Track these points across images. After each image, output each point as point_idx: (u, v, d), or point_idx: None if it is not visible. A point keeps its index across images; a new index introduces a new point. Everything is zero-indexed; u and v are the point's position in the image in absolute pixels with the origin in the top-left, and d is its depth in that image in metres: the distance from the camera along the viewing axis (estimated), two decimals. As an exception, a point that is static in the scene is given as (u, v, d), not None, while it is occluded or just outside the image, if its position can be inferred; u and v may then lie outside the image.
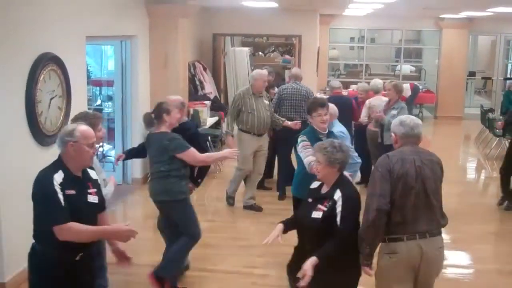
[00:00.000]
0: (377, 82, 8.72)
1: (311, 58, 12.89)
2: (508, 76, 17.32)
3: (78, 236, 3.40)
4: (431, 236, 3.95)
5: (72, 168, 3.51)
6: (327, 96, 8.68)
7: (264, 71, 7.74)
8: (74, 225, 3.35)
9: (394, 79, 8.36)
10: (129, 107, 8.57)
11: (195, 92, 10.70)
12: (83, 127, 3.56)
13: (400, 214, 3.81)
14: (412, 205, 3.84)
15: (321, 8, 13.29)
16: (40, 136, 5.69)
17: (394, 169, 3.79)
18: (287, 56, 15.44)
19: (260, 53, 15.79)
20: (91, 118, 4.42)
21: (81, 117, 4.40)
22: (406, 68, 17.97)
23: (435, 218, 4.00)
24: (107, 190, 4.44)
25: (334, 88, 9.07)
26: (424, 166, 3.92)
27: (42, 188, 3.45)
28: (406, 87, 15.14)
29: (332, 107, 5.77)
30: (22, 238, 5.46)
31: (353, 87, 15.64)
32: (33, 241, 3.59)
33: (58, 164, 3.52)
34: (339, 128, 5.86)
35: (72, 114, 6.20)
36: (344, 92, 13.44)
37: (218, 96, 12.01)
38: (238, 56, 13.42)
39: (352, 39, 19.12)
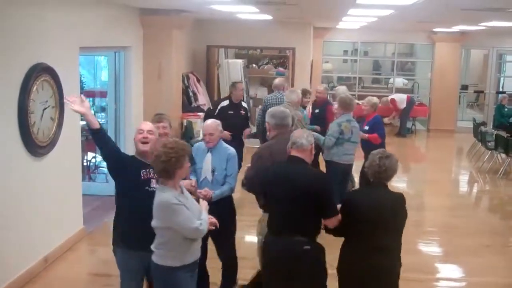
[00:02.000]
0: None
1: (304, 70, 12.91)
2: (501, 89, 17.40)
3: None
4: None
5: None
6: None
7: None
8: None
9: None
10: (122, 118, 8.55)
11: (188, 104, 10.69)
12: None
13: None
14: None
15: (315, 21, 13.35)
16: (33, 146, 5.66)
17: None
18: (280, 69, 15.46)
19: (254, 65, 15.82)
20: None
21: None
22: (399, 81, 18.05)
23: None
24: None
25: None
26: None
27: None
28: (403, 99, 15.23)
29: None
30: (12, 251, 5.45)
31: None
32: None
33: None
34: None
35: (65, 125, 6.21)
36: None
37: (211, 108, 12.00)
38: (232, 68, 13.45)
39: (345, 52, 19.20)
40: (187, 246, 3.88)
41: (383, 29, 15.33)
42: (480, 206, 9.92)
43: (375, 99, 8.36)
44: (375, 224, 3.98)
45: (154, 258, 3.92)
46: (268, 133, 5.23)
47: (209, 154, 5.13)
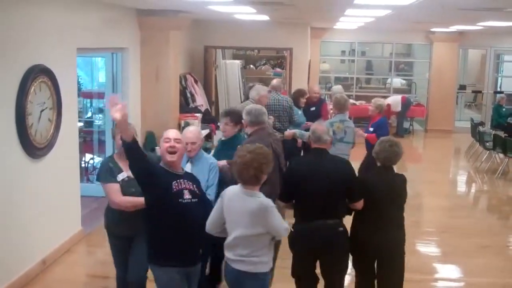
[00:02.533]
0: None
1: (302, 71, 12.91)
2: (498, 89, 17.42)
3: None
4: None
5: None
6: None
7: None
8: None
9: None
10: (120, 120, 8.50)
11: (186, 105, 10.68)
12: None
13: None
14: None
15: (312, 22, 13.35)
16: (31, 148, 5.65)
17: None
18: (278, 69, 15.48)
19: (251, 66, 15.82)
20: None
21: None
22: (397, 81, 18.05)
23: None
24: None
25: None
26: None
27: None
28: (397, 101, 15.22)
29: None
30: (10, 253, 5.44)
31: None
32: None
33: None
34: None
35: (63, 127, 6.20)
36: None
37: (209, 109, 12.00)
38: (229, 69, 13.45)
39: (343, 52, 19.20)
40: (272, 249, 3.99)
41: (380, 29, 15.34)
42: (479, 207, 9.93)
43: (381, 101, 8.35)
44: (390, 201, 4.63)
45: (246, 267, 3.84)
46: (244, 129, 5.43)
47: (189, 164, 4.71)
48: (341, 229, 4.52)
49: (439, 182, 11.16)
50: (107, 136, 8.61)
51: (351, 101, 15.53)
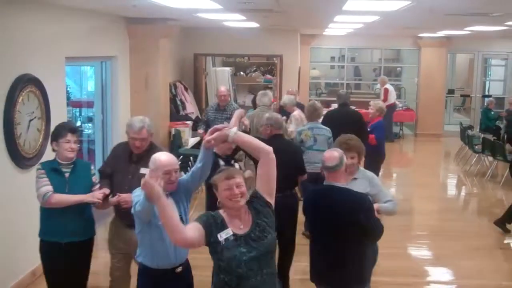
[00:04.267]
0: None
1: (292, 77, 12.95)
2: (486, 93, 17.56)
3: None
4: None
5: None
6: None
7: None
8: None
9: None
10: (109, 128, 8.50)
11: (176, 112, 10.67)
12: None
13: None
14: None
15: (302, 28, 13.40)
16: (19, 158, 5.62)
17: None
18: (268, 76, 15.50)
19: (242, 73, 15.83)
20: None
21: None
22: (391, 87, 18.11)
23: None
24: None
25: None
26: None
27: None
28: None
29: None
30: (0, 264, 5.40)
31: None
32: None
33: None
34: None
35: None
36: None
37: (199, 116, 11.99)
38: (220, 76, 13.45)
39: (332, 58, 19.27)
40: None
41: (369, 35, 15.43)
42: (469, 209, 9.97)
43: (381, 103, 8.41)
44: None
45: None
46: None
47: (171, 200, 3.79)
48: None
49: (430, 186, 11.20)
50: (96, 145, 8.59)
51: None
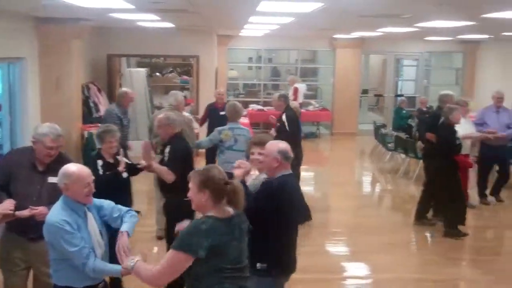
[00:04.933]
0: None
1: (209, 78, 12.89)
2: (399, 93, 18.18)
3: None
4: None
5: None
6: None
7: None
8: None
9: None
10: (18, 131, 8.14)
11: (89, 115, 10.37)
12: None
13: None
14: None
15: (219, 29, 13.37)
16: None
17: None
18: (185, 77, 15.38)
19: (158, 73, 15.62)
20: None
21: None
22: (302, 86, 18.36)
23: None
24: None
25: None
26: None
27: None
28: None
29: None
30: None
31: (252, 106, 15.85)
32: None
33: None
34: None
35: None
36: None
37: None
38: (135, 77, 13.20)
39: (250, 59, 19.37)
40: None
41: (286, 37, 15.61)
42: (383, 205, 10.27)
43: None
44: None
45: None
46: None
47: (90, 215, 3.69)
48: None
49: (346, 184, 11.46)
50: (5, 151, 8.19)
51: (258, 107, 15.73)
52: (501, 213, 9.30)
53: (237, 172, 3.79)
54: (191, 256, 3.16)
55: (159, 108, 14.19)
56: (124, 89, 8.85)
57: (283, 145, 4.22)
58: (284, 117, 8.10)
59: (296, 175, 5.79)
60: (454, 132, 7.55)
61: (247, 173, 4.21)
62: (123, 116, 8.13)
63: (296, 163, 7.48)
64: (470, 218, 8.84)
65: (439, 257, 7.13)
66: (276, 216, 4.01)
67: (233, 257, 3.30)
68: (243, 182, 4.05)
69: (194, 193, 3.31)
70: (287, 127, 8.04)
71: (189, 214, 4.29)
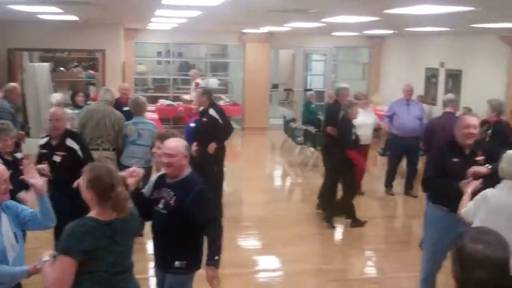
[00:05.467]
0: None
1: (116, 73, 12.60)
2: (308, 87, 18.51)
3: None
4: None
5: None
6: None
7: None
8: None
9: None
10: None
11: (-12, 112, 9.82)
12: None
13: None
14: None
15: (125, 22, 13.07)
16: None
17: None
18: (91, 71, 14.91)
19: (62, 68, 15.03)
20: None
21: None
22: (213, 81, 18.34)
23: None
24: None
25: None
26: None
27: None
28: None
29: None
30: None
31: (161, 101, 15.59)
32: None
33: None
34: None
35: None
36: (152, 107, 13.34)
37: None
38: (38, 72, 12.68)
39: (159, 53, 19.06)
40: None
41: (195, 31, 15.47)
42: (293, 198, 10.43)
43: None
44: None
45: None
46: None
47: (4, 216, 3.54)
48: None
49: (257, 178, 11.54)
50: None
51: (167, 102, 15.51)
52: (406, 204, 9.67)
53: (130, 181, 3.71)
54: (74, 259, 3.08)
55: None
56: (12, 84, 8.58)
57: (183, 140, 4.25)
58: (212, 112, 8.00)
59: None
60: (351, 126, 7.72)
61: (141, 180, 4.12)
62: (15, 111, 7.87)
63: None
64: (377, 208, 9.17)
65: (345, 248, 7.33)
66: (198, 213, 4.02)
67: (109, 261, 3.22)
68: (138, 189, 4.05)
69: (83, 188, 3.28)
70: (220, 121, 7.98)
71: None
